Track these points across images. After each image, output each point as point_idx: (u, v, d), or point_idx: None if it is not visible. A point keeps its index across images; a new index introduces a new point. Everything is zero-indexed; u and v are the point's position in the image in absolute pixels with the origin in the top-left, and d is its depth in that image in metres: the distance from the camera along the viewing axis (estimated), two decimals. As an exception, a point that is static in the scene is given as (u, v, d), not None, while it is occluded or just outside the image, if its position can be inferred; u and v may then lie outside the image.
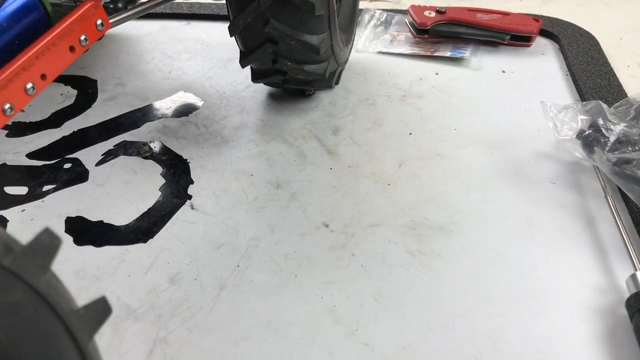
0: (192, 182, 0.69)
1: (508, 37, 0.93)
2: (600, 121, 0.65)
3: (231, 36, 0.70)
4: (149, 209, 0.65)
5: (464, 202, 0.65)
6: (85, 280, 0.57)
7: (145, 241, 0.61)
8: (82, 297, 0.55)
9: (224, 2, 0.71)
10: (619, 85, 0.82)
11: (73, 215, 0.65)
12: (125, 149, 0.76)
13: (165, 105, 0.85)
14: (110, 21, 0.64)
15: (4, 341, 0.25)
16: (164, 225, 0.63)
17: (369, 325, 0.51)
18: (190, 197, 0.67)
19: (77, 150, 0.76)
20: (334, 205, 0.65)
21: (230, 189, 0.68)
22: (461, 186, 0.67)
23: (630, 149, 0.61)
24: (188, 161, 0.73)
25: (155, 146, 0.76)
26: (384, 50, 0.96)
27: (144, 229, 0.63)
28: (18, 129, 0.81)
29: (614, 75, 0.84)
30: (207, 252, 0.59)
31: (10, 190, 0.69)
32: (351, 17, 0.88)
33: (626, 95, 0.79)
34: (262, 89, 0.87)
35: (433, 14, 0.95)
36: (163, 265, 0.58)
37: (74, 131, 0.80)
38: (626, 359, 0.48)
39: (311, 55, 0.71)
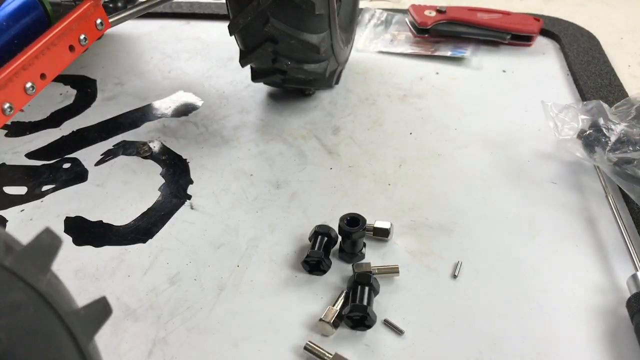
0: (191, 182, 0.69)
1: (509, 37, 0.93)
2: (601, 121, 0.65)
3: (231, 35, 0.70)
4: (148, 209, 0.65)
5: (465, 202, 0.64)
6: (85, 281, 0.57)
7: (144, 241, 0.61)
8: (81, 297, 0.54)
9: (224, 1, 0.71)
10: (620, 85, 0.82)
11: (72, 215, 0.65)
12: (125, 148, 0.76)
13: (165, 104, 0.85)
14: (110, 20, 0.64)
15: (4, 341, 0.25)
16: (164, 225, 0.63)
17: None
18: (189, 197, 0.67)
19: (76, 150, 0.76)
20: (334, 205, 0.64)
21: (230, 189, 0.68)
22: (462, 186, 0.67)
23: (631, 148, 0.61)
24: (187, 161, 0.73)
25: (155, 146, 0.76)
26: (384, 49, 0.96)
27: (143, 229, 0.63)
28: (17, 129, 0.80)
29: (614, 75, 0.84)
30: (206, 252, 0.59)
31: (10, 190, 0.69)
32: (351, 17, 0.88)
33: (627, 95, 0.79)
34: (261, 88, 0.87)
35: (433, 14, 0.95)
36: (162, 266, 0.58)
37: (73, 131, 0.80)
38: (627, 360, 0.48)
39: (311, 55, 0.71)
